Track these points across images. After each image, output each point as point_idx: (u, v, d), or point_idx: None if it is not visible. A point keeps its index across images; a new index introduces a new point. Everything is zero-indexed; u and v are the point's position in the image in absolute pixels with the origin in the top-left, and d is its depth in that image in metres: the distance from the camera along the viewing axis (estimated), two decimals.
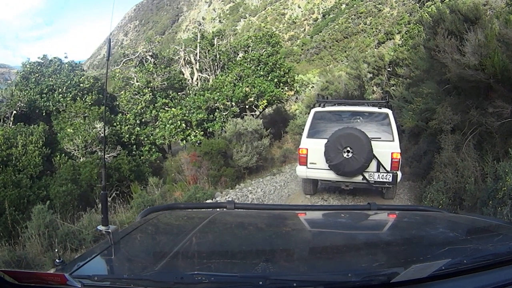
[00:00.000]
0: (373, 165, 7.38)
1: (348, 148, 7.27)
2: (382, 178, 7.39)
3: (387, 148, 7.42)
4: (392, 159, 7.36)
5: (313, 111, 8.25)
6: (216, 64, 20.67)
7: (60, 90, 18.09)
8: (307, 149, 7.87)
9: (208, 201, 9.19)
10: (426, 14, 10.11)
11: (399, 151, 7.46)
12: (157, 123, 17.85)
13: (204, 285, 1.20)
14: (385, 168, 7.36)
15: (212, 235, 1.93)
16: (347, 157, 7.29)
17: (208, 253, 1.65)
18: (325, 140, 7.45)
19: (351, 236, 1.93)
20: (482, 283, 1.27)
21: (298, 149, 8.20)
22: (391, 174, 7.33)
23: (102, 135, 15.25)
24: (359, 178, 7.53)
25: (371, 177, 7.44)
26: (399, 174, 7.49)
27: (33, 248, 7.16)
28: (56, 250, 1.65)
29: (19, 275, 1.22)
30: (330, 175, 7.69)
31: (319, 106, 8.41)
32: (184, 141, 17.29)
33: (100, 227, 1.59)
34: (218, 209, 2.37)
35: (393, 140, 7.47)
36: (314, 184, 8.66)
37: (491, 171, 5.73)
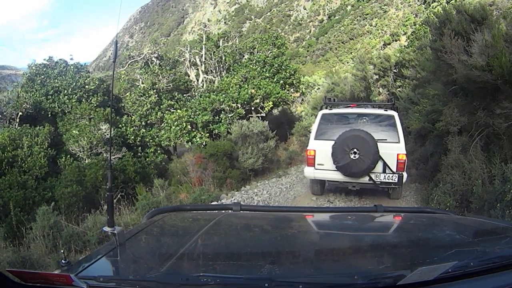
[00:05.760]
0: (379, 166, 7.55)
1: (355, 150, 7.43)
2: (388, 179, 7.55)
3: (393, 149, 7.56)
4: (397, 160, 7.51)
5: (320, 113, 8.45)
6: (221, 65, 20.69)
7: (65, 91, 18.18)
8: (314, 151, 8.05)
9: (213, 203, 9.18)
10: (432, 15, 10.07)
11: (405, 152, 7.62)
12: (163, 124, 17.85)
13: (209, 287, 1.20)
14: (391, 169, 7.53)
15: (218, 237, 1.94)
16: (354, 158, 7.45)
17: (214, 254, 1.65)
18: (332, 142, 7.62)
19: (357, 238, 1.93)
20: (489, 285, 1.26)
21: (306, 151, 8.39)
22: (397, 175, 7.50)
23: (108, 136, 15.30)
24: (365, 179, 7.69)
25: (377, 178, 7.60)
26: (405, 175, 7.64)
27: (38, 249, 7.17)
28: (62, 251, 1.65)
29: (25, 275, 1.22)
30: (337, 176, 7.86)
31: (326, 108, 8.66)
32: (190, 142, 17.28)
33: (106, 228, 1.59)
34: (224, 211, 2.37)
35: (398, 142, 7.62)
36: (322, 185, 8.80)
37: (499, 173, 5.68)
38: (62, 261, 1.40)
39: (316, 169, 8.05)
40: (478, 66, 6.21)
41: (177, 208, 2.59)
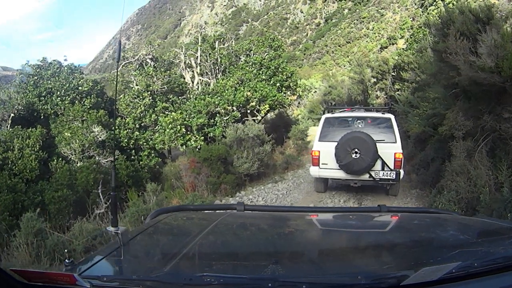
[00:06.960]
0: (378, 164, 8.28)
1: (356, 150, 8.17)
2: (387, 176, 8.30)
3: (390, 149, 8.31)
4: (395, 158, 8.26)
5: (324, 117, 9.28)
6: (217, 67, 20.54)
7: (58, 93, 17.97)
8: (319, 151, 8.80)
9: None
10: (432, 16, 10.08)
11: (401, 151, 8.36)
12: (157, 127, 17.68)
13: (212, 287, 1.20)
14: (389, 167, 8.26)
15: (221, 237, 1.94)
16: (355, 157, 8.18)
17: (217, 254, 1.66)
18: (335, 143, 8.35)
19: (361, 238, 1.94)
20: (493, 286, 1.27)
21: (311, 151, 9.21)
22: (394, 172, 8.25)
23: (100, 139, 15.15)
24: (366, 176, 8.42)
25: (376, 175, 8.33)
26: (402, 172, 8.37)
27: (21, 258, 6.65)
28: (66, 251, 1.66)
29: (29, 275, 1.23)
30: (340, 174, 8.60)
31: (329, 112, 9.56)
32: (184, 146, 17.04)
33: (110, 228, 1.60)
34: (227, 211, 2.37)
35: (395, 142, 8.39)
36: (325, 183, 9.64)
37: (507, 180, 5.62)
38: (66, 260, 1.40)
39: (321, 168, 8.78)
40: (486, 68, 6.09)
41: (181, 208, 2.60)
